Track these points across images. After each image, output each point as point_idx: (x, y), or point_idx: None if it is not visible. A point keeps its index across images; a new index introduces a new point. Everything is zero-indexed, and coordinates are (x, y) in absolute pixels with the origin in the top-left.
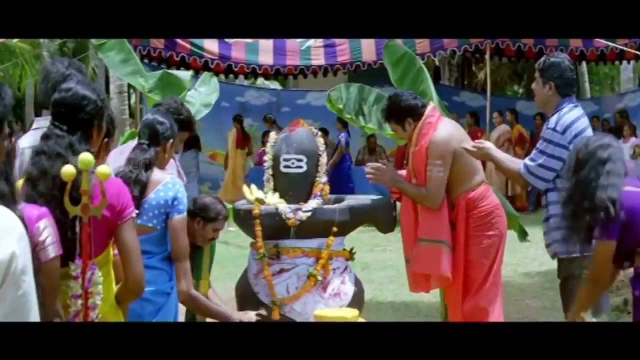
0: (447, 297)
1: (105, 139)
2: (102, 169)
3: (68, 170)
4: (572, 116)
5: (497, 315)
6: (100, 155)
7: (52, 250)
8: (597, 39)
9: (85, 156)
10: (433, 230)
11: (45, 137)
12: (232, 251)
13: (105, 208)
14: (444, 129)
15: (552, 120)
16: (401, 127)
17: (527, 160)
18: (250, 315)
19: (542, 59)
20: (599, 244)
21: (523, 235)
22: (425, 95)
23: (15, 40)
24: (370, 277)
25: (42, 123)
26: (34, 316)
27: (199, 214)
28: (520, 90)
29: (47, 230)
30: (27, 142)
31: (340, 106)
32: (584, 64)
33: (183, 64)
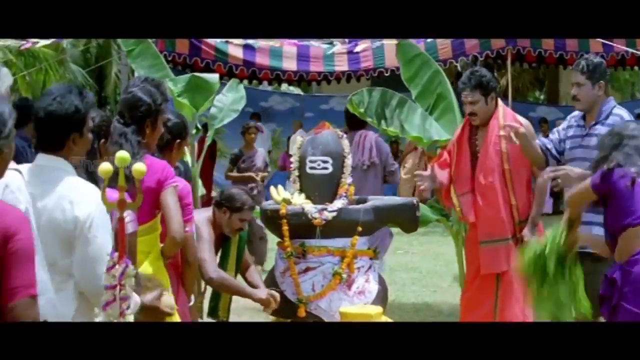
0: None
1: (178, 141)
2: (138, 166)
3: (105, 167)
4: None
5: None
6: (173, 156)
7: (131, 226)
8: (617, 45)
9: (122, 154)
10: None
11: None
12: None
13: (152, 181)
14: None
15: (625, 115)
16: (485, 99)
17: None
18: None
19: (583, 62)
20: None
21: None
22: (445, 98)
23: (39, 45)
24: (393, 278)
25: None
26: (100, 272)
27: (225, 204)
28: (542, 97)
29: (129, 211)
30: None
31: (362, 110)
32: None
33: (207, 70)
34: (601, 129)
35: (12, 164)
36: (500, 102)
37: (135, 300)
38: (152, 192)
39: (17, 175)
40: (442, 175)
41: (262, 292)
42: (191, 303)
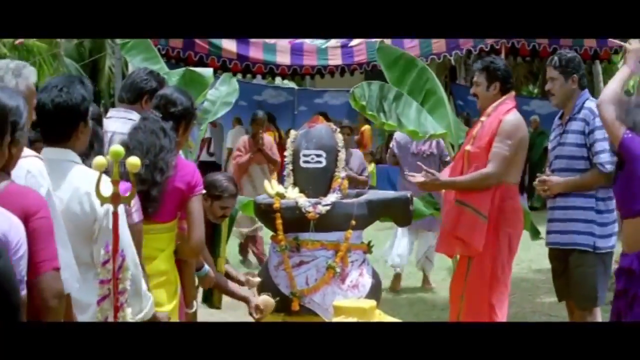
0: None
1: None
2: (132, 160)
3: (99, 160)
4: None
5: (502, 314)
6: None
7: (137, 216)
8: (611, 39)
9: (116, 148)
10: (481, 201)
11: (143, 118)
12: None
13: (181, 182)
14: (516, 115)
15: (594, 107)
16: (487, 85)
17: (604, 157)
18: (266, 299)
19: (556, 57)
20: None
21: (536, 234)
22: (435, 93)
23: (33, 39)
24: (387, 272)
25: (114, 113)
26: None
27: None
28: (535, 90)
29: (133, 200)
30: (112, 128)
31: (363, 103)
32: (597, 63)
33: (201, 64)
34: (573, 124)
35: (31, 151)
36: (508, 97)
37: (150, 300)
38: (179, 193)
39: (38, 161)
40: None
41: (248, 292)
42: (193, 309)
